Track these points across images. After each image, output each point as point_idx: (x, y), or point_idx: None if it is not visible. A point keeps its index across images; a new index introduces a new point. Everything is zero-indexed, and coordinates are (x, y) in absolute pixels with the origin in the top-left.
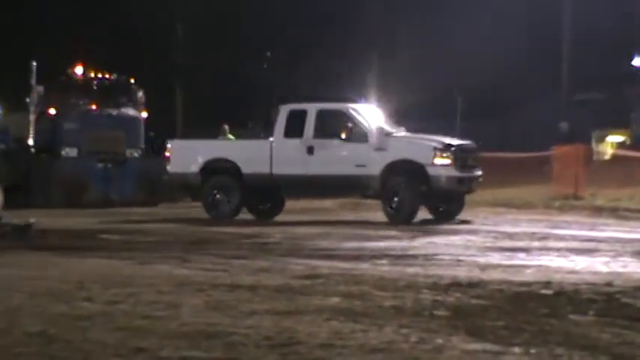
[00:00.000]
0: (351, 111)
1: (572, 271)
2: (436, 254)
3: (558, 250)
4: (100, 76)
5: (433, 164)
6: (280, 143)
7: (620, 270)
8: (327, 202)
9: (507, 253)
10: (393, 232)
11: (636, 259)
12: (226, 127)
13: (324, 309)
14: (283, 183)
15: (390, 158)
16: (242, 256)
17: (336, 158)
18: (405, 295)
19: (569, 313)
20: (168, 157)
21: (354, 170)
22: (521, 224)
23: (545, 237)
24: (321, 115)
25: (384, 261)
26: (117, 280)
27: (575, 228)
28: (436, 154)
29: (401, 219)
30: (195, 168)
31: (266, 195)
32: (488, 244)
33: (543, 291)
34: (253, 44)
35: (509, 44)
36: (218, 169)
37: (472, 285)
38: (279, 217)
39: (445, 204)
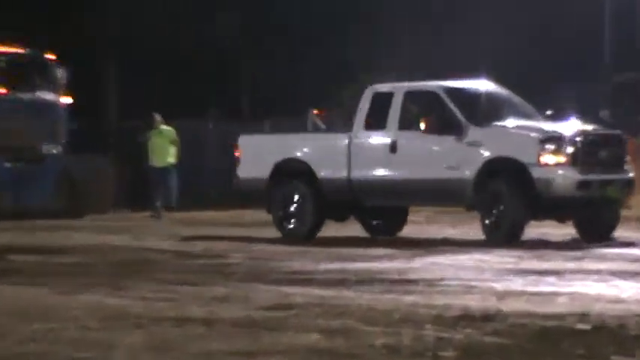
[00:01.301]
0: (444, 93)
1: (616, 300)
2: (441, 279)
3: (598, 272)
4: (7, 50)
5: (539, 163)
6: (360, 138)
7: None
8: None
9: (532, 277)
10: (385, 251)
11: None
12: (158, 117)
13: (297, 349)
14: (362, 190)
15: (486, 156)
16: (192, 282)
17: (423, 157)
18: (402, 331)
19: (612, 353)
20: (237, 158)
21: (443, 173)
22: (549, 237)
23: (581, 257)
24: (409, 98)
25: (374, 287)
26: (31, 312)
27: (620, 245)
28: (543, 148)
29: (501, 237)
30: (265, 172)
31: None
32: (508, 266)
33: (579, 325)
34: (209, 6)
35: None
36: (290, 173)
37: (487, 318)
38: (239, 231)
39: (566, 215)
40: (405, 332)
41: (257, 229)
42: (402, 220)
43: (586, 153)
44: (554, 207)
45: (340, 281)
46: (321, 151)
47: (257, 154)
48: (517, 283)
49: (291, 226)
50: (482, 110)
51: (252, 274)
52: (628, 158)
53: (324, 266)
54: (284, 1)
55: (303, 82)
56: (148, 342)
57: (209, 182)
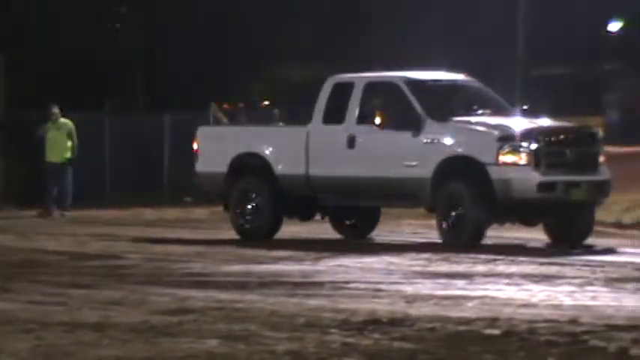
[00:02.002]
0: (404, 85)
1: (527, 304)
2: (348, 282)
3: (509, 276)
4: None
5: (498, 163)
6: (318, 132)
7: (589, 303)
8: (201, 212)
9: (442, 280)
10: (290, 252)
11: (609, 288)
12: (56, 109)
13: (196, 355)
14: (321, 187)
15: (443, 154)
16: (85, 285)
17: (380, 154)
18: (306, 336)
19: (522, 359)
20: (196, 152)
21: (401, 171)
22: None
23: (491, 260)
24: (370, 90)
25: (277, 290)
26: None
27: (530, 249)
28: (502, 146)
29: (460, 240)
30: (223, 167)
31: (306, 203)
32: (416, 268)
33: (488, 331)
34: None
35: None
36: (247, 169)
37: (395, 323)
38: (138, 231)
39: (530, 218)
40: (309, 337)
41: (158, 229)
42: (374, 220)
43: (550, 152)
44: (513, 210)
45: (242, 284)
46: (278, 145)
47: (215, 148)
48: (426, 287)
49: (248, 225)
50: (446, 104)
51: (150, 276)
52: (601, 158)
53: (225, 268)
54: None
55: (206, 74)
56: (36, 348)
57: (107, 179)
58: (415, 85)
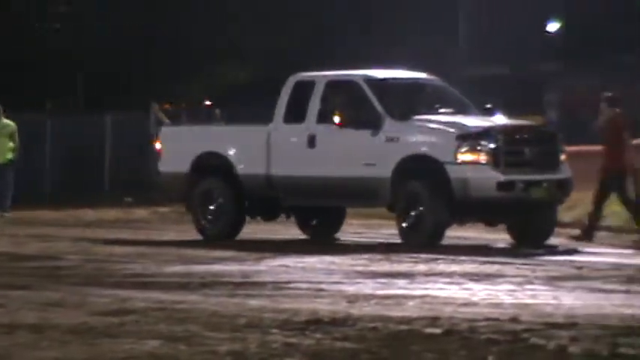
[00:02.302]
0: (365, 83)
1: (468, 303)
2: (290, 282)
3: (450, 275)
4: None
5: (456, 162)
6: (279, 131)
7: (529, 301)
8: (142, 213)
9: (383, 280)
10: (231, 253)
11: (549, 286)
12: None
13: (137, 356)
14: (281, 187)
15: (402, 153)
16: (23, 286)
17: (340, 153)
18: (248, 336)
19: (464, 359)
20: (159, 151)
21: (361, 171)
22: (379, 238)
23: (433, 259)
24: (330, 88)
25: (218, 291)
26: None
27: (471, 248)
28: (460, 145)
29: (419, 240)
30: (185, 166)
31: (270, 204)
32: (358, 268)
33: (429, 330)
34: None
35: None
36: (209, 168)
37: (337, 323)
38: (78, 231)
39: (490, 218)
40: (251, 338)
41: (98, 230)
42: (339, 220)
43: (510, 151)
44: (473, 209)
45: (184, 285)
46: (239, 144)
47: (177, 147)
48: (367, 286)
49: (210, 225)
50: (406, 103)
51: (91, 277)
52: (563, 156)
53: (166, 269)
54: None
55: (147, 74)
56: None
57: (47, 179)
58: (375, 83)
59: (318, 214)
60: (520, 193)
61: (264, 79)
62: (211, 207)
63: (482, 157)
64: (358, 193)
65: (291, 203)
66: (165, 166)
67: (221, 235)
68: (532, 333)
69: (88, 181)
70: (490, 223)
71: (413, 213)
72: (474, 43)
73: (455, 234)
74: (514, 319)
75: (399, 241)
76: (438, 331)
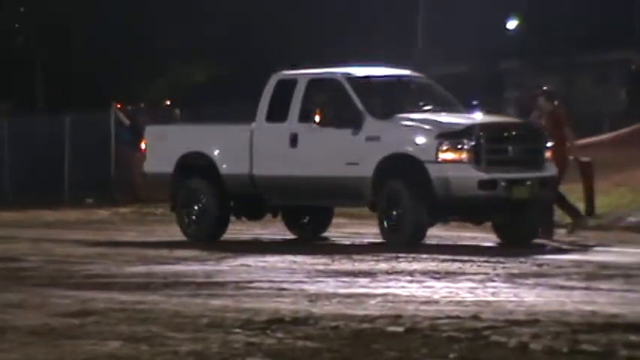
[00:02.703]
0: (346, 81)
1: (429, 301)
2: (251, 281)
3: (411, 273)
4: None
5: (437, 160)
6: (262, 130)
7: (490, 299)
8: (103, 213)
9: (345, 279)
10: (193, 252)
11: (509, 283)
12: None
13: (98, 357)
14: (265, 187)
15: (383, 152)
16: None
17: (323, 152)
18: (210, 336)
19: (425, 356)
20: (144, 152)
21: (343, 170)
22: (367, 237)
23: (393, 257)
24: (313, 87)
25: (180, 291)
26: None
27: (432, 247)
28: (442, 144)
29: (401, 240)
30: (169, 167)
31: (255, 203)
32: (319, 267)
33: (391, 328)
34: None
35: None
36: (193, 168)
37: (299, 322)
38: (39, 232)
39: (474, 217)
40: (213, 338)
41: (58, 231)
42: (327, 219)
43: (492, 149)
44: (454, 208)
45: (145, 285)
46: (222, 144)
47: (162, 147)
48: (329, 285)
49: (194, 226)
50: (389, 100)
51: (51, 278)
52: (548, 154)
53: (128, 269)
54: None
55: (107, 75)
56: None
57: (7, 180)
58: (357, 81)
59: (305, 213)
60: (502, 191)
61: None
62: (195, 207)
63: (464, 156)
64: (340, 193)
65: (274, 203)
66: (150, 167)
67: (205, 235)
68: (493, 330)
69: (48, 182)
70: (473, 221)
71: (394, 213)
72: (434, 43)
73: (438, 233)
74: (475, 317)
75: (381, 240)
76: (399, 329)
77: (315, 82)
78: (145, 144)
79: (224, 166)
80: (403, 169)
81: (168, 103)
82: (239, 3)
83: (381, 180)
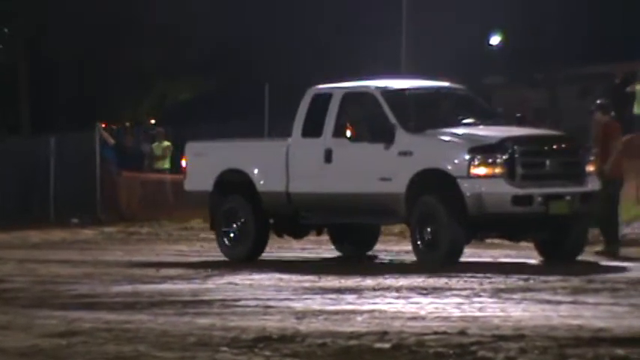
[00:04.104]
0: (380, 95)
1: (416, 317)
2: (238, 299)
3: (398, 289)
4: None
5: (469, 175)
6: (297, 146)
7: (477, 314)
8: (88, 233)
9: (332, 296)
10: (179, 271)
11: (496, 298)
12: None
13: None
14: (301, 205)
15: (416, 167)
16: None
17: (356, 167)
18: (197, 355)
19: None
20: (184, 169)
21: (376, 186)
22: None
23: (380, 273)
24: (347, 101)
25: (167, 310)
26: None
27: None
28: (474, 158)
29: (436, 259)
30: (209, 184)
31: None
32: (306, 284)
33: (378, 344)
34: None
35: None
36: (231, 186)
37: (286, 339)
38: (18, 253)
39: (511, 234)
40: (200, 356)
41: (44, 251)
42: (374, 236)
43: (527, 162)
44: (488, 226)
45: (132, 304)
46: (259, 160)
47: (201, 164)
48: (316, 302)
49: (232, 244)
50: (424, 114)
51: (37, 299)
52: (590, 168)
53: (114, 289)
54: (68, 8)
55: (91, 94)
56: None
57: None
58: (392, 94)
59: (352, 231)
60: (538, 207)
61: (211, 97)
62: (234, 226)
63: (497, 170)
64: (374, 210)
65: (310, 221)
66: (190, 185)
67: (244, 255)
68: (480, 346)
69: (33, 203)
70: (510, 238)
71: (429, 230)
72: (417, 61)
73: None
74: (462, 333)
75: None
76: (386, 345)
77: (349, 96)
78: (185, 161)
79: (261, 182)
80: (436, 185)
81: (152, 121)
82: (224, 23)
83: (414, 196)
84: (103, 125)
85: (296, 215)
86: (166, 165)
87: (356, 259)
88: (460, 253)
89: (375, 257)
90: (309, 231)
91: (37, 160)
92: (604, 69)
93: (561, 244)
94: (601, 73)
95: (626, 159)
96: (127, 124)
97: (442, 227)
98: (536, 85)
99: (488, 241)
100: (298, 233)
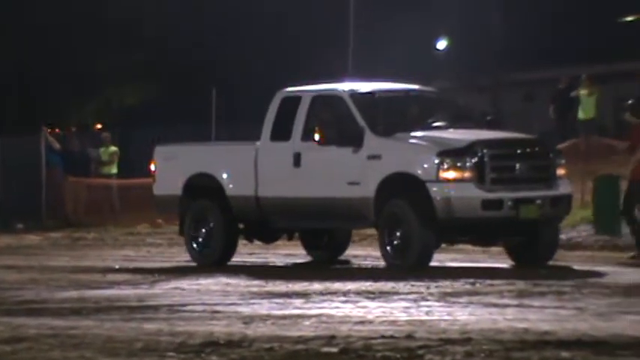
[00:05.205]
0: (349, 98)
1: (363, 321)
2: (185, 304)
3: (345, 293)
4: None
5: (438, 179)
6: (266, 149)
7: (424, 317)
8: (34, 238)
9: (279, 300)
10: (125, 277)
11: (443, 302)
12: None
13: None
14: (269, 209)
15: (385, 171)
16: None
17: (325, 171)
18: None
19: None
20: (153, 172)
21: (345, 190)
22: (298, 258)
23: (328, 277)
24: (316, 104)
25: (113, 315)
26: None
27: (365, 267)
28: (443, 162)
29: (406, 264)
30: (177, 189)
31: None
32: (253, 289)
33: (326, 349)
34: None
35: None
36: (200, 191)
37: (233, 344)
38: None
39: (480, 238)
40: None
41: None
42: (345, 241)
43: (497, 166)
44: (457, 230)
45: (77, 310)
46: (228, 164)
47: (170, 168)
48: (263, 307)
49: (201, 249)
50: (394, 117)
51: None
52: (560, 171)
53: (60, 294)
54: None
55: (37, 98)
56: None
57: None
58: (361, 97)
59: (324, 235)
60: (508, 211)
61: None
62: (203, 230)
63: (466, 174)
64: (343, 214)
65: (280, 226)
66: (159, 189)
67: (213, 260)
68: (427, 350)
69: None
70: (481, 243)
71: (398, 234)
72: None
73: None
74: (409, 336)
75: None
76: (334, 350)
77: (318, 99)
78: (154, 165)
79: (230, 186)
80: (405, 189)
81: (99, 126)
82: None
83: (383, 201)
84: (49, 130)
85: (265, 220)
86: (113, 170)
87: (327, 263)
88: (430, 257)
89: (348, 262)
90: (279, 236)
91: None
92: (548, 73)
93: (532, 248)
94: (545, 77)
95: (571, 162)
96: (73, 128)
97: (411, 231)
98: (482, 90)
99: (461, 246)
100: (268, 238)
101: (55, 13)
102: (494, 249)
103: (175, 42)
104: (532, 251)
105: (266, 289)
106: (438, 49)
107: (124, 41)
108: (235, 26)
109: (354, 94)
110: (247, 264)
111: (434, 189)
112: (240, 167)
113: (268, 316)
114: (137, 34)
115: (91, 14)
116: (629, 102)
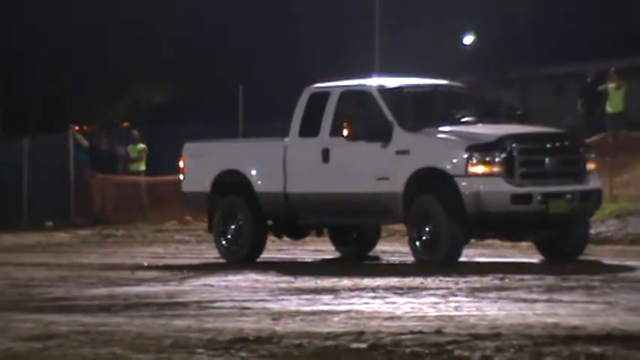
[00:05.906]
0: (378, 93)
1: (392, 317)
2: (214, 301)
3: (374, 289)
4: None
5: (467, 174)
6: (294, 145)
7: (453, 313)
8: (63, 236)
9: (308, 297)
10: (154, 274)
11: (472, 297)
12: None
13: None
14: (298, 206)
15: (414, 166)
16: None
17: (354, 167)
18: (173, 357)
19: None
20: (182, 169)
21: (373, 186)
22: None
23: (357, 273)
24: (344, 99)
25: (143, 312)
26: None
27: (394, 262)
28: (472, 157)
29: (435, 259)
30: (206, 185)
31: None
32: (282, 285)
33: (355, 344)
34: None
35: None
36: (229, 187)
37: (262, 340)
38: None
39: (508, 233)
40: (176, 358)
41: (18, 254)
42: (375, 237)
43: (526, 161)
44: (487, 225)
45: (107, 307)
46: (257, 161)
47: (199, 165)
48: (292, 303)
49: (230, 246)
50: (422, 112)
51: (12, 302)
52: (590, 165)
53: (89, 291)
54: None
55: (65, 97)
56: None
57: None
58: (389, 93)
59: (353, 231)
60: (538, 206)
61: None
62: (232, 227)
63: (495, 169)
64: (372, 210)
65: (308, 222)
66: (187, 186)
67: (242, 256)
68: (456, 345)
69: (6, 206)
70: (511, 238)
71: (427, 229)
72: (391, 64)
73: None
74: (438, 332)
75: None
76: (363, 345)
77: (347, 95)
78: (183, 162)
79: (259, 183)
80: (434, 184)
81: (126, 124)
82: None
83: (412, 196)
84: (77, 128)
85: (294, 216)
86: (142, 167)
87: (356, 259)
88: (459, 252)
89: (377, 258)
90: (308, 232)
91: (10, 163)
92: (577, 68)
93: (562, 243)
94: (574, 72)
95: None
96: (101, 126)
97: (440, 227)
98: (508, 84)
99: (489, 241)
100: (297, 234)
101: (85, 13)
102: (523, 244)
103: (201, 41)
104: (562, 246)
105: (295, 285)
106: (464, 45)
107: (150, 40)
108: (261, 24)
109: (382, 90)
110: (276, 260)
111: (463, 184)
112: (268, 163)
113: (297, 312)
114: (164, 33)
115: (119, 14)
116: None
